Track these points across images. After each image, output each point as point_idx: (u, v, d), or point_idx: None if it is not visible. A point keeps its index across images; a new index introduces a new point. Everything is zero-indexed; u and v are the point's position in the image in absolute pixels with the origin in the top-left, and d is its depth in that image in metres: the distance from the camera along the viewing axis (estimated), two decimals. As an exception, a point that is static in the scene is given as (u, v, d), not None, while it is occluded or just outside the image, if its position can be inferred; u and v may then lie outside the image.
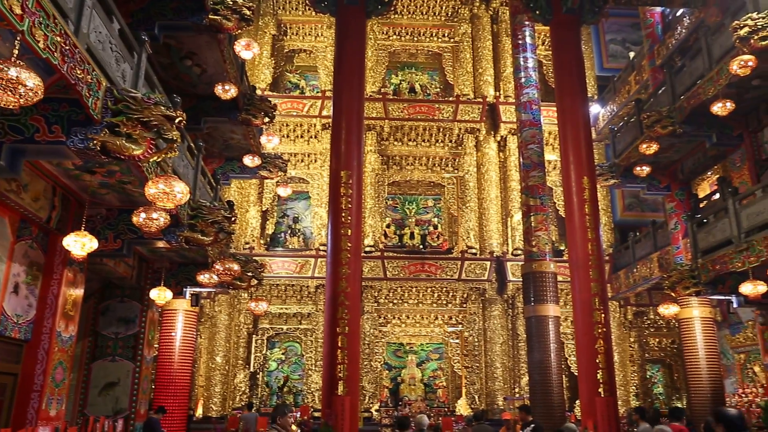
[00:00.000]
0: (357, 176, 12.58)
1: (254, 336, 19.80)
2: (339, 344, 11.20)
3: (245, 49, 10.34)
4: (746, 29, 9.65)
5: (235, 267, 10.65)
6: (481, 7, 22.64)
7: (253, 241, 20.02)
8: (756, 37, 9.57)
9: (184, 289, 12.17)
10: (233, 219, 9.78)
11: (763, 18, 9.62)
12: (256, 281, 12.53)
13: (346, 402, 10.86)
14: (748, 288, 10.51)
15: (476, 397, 18.91)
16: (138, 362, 11.87)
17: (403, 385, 19.95)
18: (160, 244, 9.52)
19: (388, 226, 21.00)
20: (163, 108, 6.21)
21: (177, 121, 6.36)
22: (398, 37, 22.91)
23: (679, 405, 19.13)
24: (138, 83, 7.07)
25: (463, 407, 18.77)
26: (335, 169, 12.63)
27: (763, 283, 10.38)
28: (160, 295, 10.85)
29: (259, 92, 14.47)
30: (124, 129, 6.02)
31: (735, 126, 12.95)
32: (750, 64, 9.86)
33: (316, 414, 16.13)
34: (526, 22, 18.02)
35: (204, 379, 18.89)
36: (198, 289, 12.52)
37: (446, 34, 22.99)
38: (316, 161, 21.19)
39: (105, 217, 9.09)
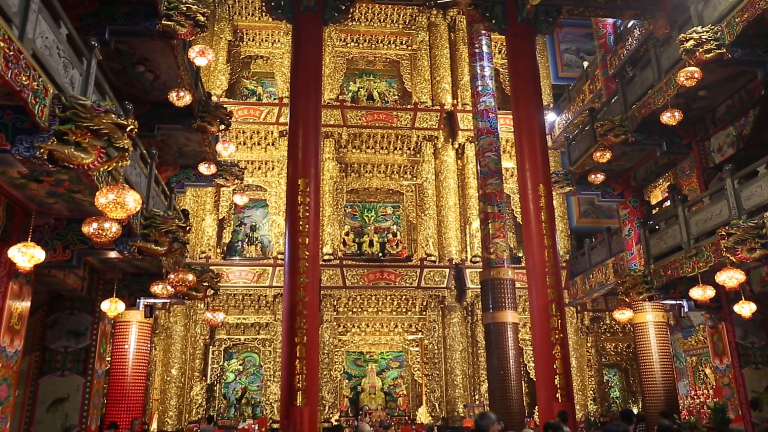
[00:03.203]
0: (315, 184, 12.47)
1: (211, 347, 19.42)
2: (297, 354, 11.06)
3: (200, 56, 10.16)
4: (692, 42, 9.96)
5: (191, 277, 10.43)
6: (439, 15, 22.81)
7: (210, 250, 19.69)
8: (701, 50, 9.88)
9: (138, 301, 11.84)
10: (188, 228, 9.58)
11: (707, 32, 9.94)
12: (212, 291, 12.30)
13: (305, 413, 10.71)
14: (697, 292, 10.80)
15: (437, 404, 18.92)
16: (89, 377, 11.46)
17: (363, 394, 19.84)
18: (112, 254, 9.24)
19: (347, 234, 20.92)
20: (113, 116, 6.04)
21: (128, 129, 6.20)
22: (356, 44, 22.91)
23: (635, 408, 19.54)
24: (88, 90, 6.87)
25: (423, 415, 18.76)
26: (292, 176, 12.50)
27: (711, 288, 10.66)
28: (112, 306, 10.52)
29: (214, 99, 14.23)
30: (73, 137, 5.83)
31: (684, 135, 13.33)
32: (696, 75, 10.18)
33: (275, 425, 15.89)
34: (483, 32, 18.26)
35: (159, 393, 18.41)
36: (152, 300, 12.21)
37: (404, 42, 23.08)
38: (273, 169, 20.98)
39: (53, 227, 8.77)
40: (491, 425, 4.18)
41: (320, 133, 13.99)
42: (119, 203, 6.34)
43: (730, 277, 9.57)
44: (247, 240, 20.84)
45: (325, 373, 18.55)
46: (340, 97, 21.76)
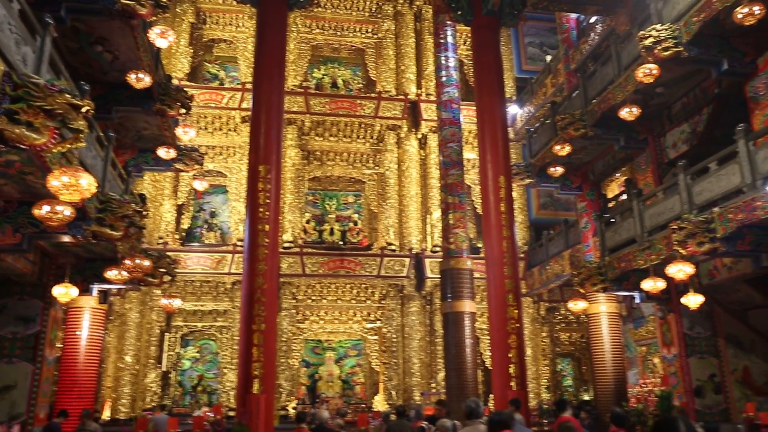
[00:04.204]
0: (276, 171, 12.33)
1: (167, 334, 19.14)
2: (255, 342, 10.97)
3: (160, 37, 9.95)
4: (651, 39, 10.16)
5: (147, 263, 10.26)
6: (405, 4, 22.78)
7: (168, 236, 19.36)
8: (659, 48, 10.09)
9: (91, 286, 11.59)
10: (145, 213, 9.40)
11: (666, 30, 10.15)
12: (169, 277, 12.12)
13: (262, 400, 10.66)
14: (649, 284, 11.09)
15: (393, 392, 19.07)
16: (38, 364, 11.19)
17: (321, 382, 19.88)
18: (65, 238, 9.01)
19: (307, 222, 20.82)
20: (68, 96, 5.87)
21: (84, 109, 6.04)
22: (321, 31, 22.70)
23: (587, 396, 20.03)
24: (41, 68, 6.65)
25: (380, 403, 18.89)
26: (254, 163, 12.34)
27: (662, 280, 10.97)
28: (64, 292, 10.27)
29: (175, 82, 13.95)
30: (25, 117, 5.65)
31: (641, 130, 13.63)
32: (654, 72, 10.41)
33: (231, 413, 15.79)
34: (448, 22, 18.29)
35: (112, 380, 18.10)
36: (106, 286, 11.97)
37: (370, 30, 22.97)
38: (234, 155, 20.72)
39: (3, 209, 8.50)
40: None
41: (283, 119, 13.82)
42: (73, 186, 6.19)
43: (680, 270, 9.85)
44: (206, 226, 20.56)
45: (282, 360, 18.49)
46: (304, 83, 21.55)
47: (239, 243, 18.24)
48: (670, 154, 13.13)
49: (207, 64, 22.51)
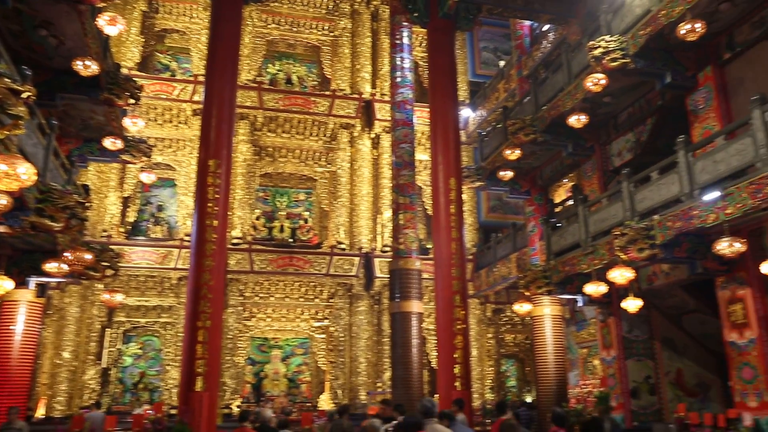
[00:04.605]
0: (226, 166, 12.19)
1: (108, 329, 18.63)
2: (199, 338, 10.81)
3: (109, 24, 9.64)
4: (600, 50, 10.44)
5: (88, 256, 9.97)
6: (362, 3, 22.78)
7: (112, 229, 18.85)
8: (607, 58, 10.38)
9: (28, 279, 11.17)
10: (88, 204, 9.13)
11: (614, 41, 10.45)
12: (112, 271, 11.78)
13: (205, 398, 10.51)
14: (591, 288, 11.39)
15: (339, 391, 19.04)
16: (-31, 358, 10.74)
17: (266, 380, 19.71)
18: (1, 228, 8.66)
19: (257, 219, 20.60)
20: (7, 80, 5.67)
21: (24, 95, 5.84)
22: (277, 26, 22.49)
23: (529, 397, 20.42)
24: (-21, 50, 6.39)
25: (325, 402, 18.84)
26: (204, 157, 12.16)
27: (604, 284, 11.27)
28: (-2, 284, 9.87)
29: (125, 71, 13.61)
30: (-41, 100, 5.42)
31: (588, 138, 13.97)
32: (602, 82, 10.70)
33: (173, 411, 15.48)
34: (405, 23, 18.38)
35: (48, 377, 17.49)
36: (45, 279, 11.57)
37: (326, 28, 22.87)
38: (184, 148, 20.33)
39: (-65, 196, 8.12)
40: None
41: (235, 114, 13.67)
42: (10, 174, 5.96)
43: (621, 275, 10.14)
44: (153, 220, 20.12)
45: (228, 358, 18.26)
46: (258, 78, 21.33)
47: (186, 238, 17.91)
48: (615, 162, 13.50)
49: (158, 54, 22.02)
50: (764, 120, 8.03)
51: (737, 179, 8.38)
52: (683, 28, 9.08)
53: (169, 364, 18.46)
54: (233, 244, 18.74)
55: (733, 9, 9.81)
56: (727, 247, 8.54)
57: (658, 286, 11.91)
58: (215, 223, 11.58)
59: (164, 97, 19.93)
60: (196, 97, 19.47)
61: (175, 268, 18.67)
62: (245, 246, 19.23)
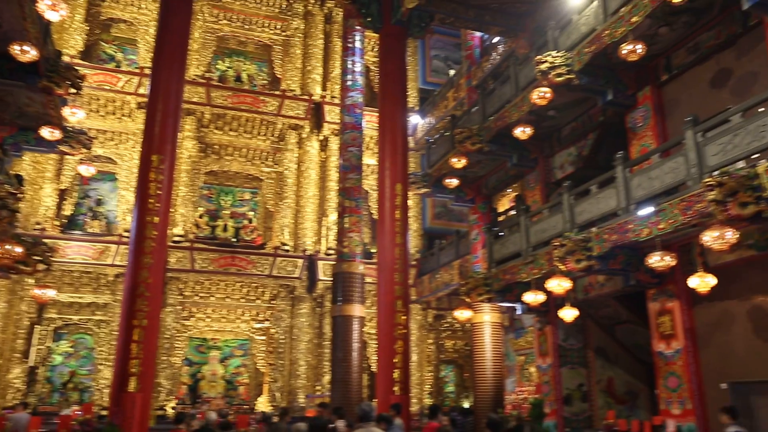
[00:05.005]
0: (170, 161, 11.92)
1: (38, 326, 17.91)
2: (135, 338, 10.51)
3: (51, 9, 9.28)
4: (546, 65, 10.71)
5: (19, 249, 9.56)
6: (316, 5, 22.70)
7: (46, 221, 18.18)
8: (553, 73, 10.65)
9: (-49, 272, 10.66)
10: (20, 195, 8.78)
11: (560, 57, 10.73)
12: (44, 266, 11.34)
13: (138, 399, 10.21)
14: (530, 297, 11.63)
15: (278, 394, 18.85)
16: None
17: (203, 381, 19.33)
18: (-76, 217, 8.25)
19: (200, 217, 20.23)
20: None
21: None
22: (228, 22, 22.17)
23: (467, 403, 20.69)
24: None
25: (263, 405, 18.61)
26: (147, 152, 11.86)
27: (542, 293, 11.53)
28: None
29: (66, 59, 13.14)
30: None
31: (532, 150, 14.29)
32: (547, 96, 10.98)
33: (103, 413, 14.99)
34: (358, 27, 18.43)
35: (-29, 374, 16.71)
36: (-30, 272, 11.04)
37: (278, 27, 22.69)
38: (127, 141, 19.80)
39: None
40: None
41: (181, 109, 13.39)
42: (-63, 160, 5.68)
43: (559, 285, 10.40)
44: (91, 214, 19.50)
45: (164, 358, 17.85)
46: (207, 74, 20.98)
47: (126, 234, 17.43)
48: (557, 175, 13.85)
49: (103, 43, 21.38)
50: (696, 140, 8.39)
51: (670, 196, 8.72)
52: (625, 49, 9.41)
53: (101, 364, 17.89)
54: (174, 242, 18.37)
55: (671, 33, 10.24)
56: (658, 260, 8.88)
57: (594, 296, 12.27)
58: (156, 219, 11.30)
59: (108, 88, 19.39)
60: (141, 90, 18.99)
61: (112, 265, 18.14)
62: (187, 244, 18.86)
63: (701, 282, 8.80)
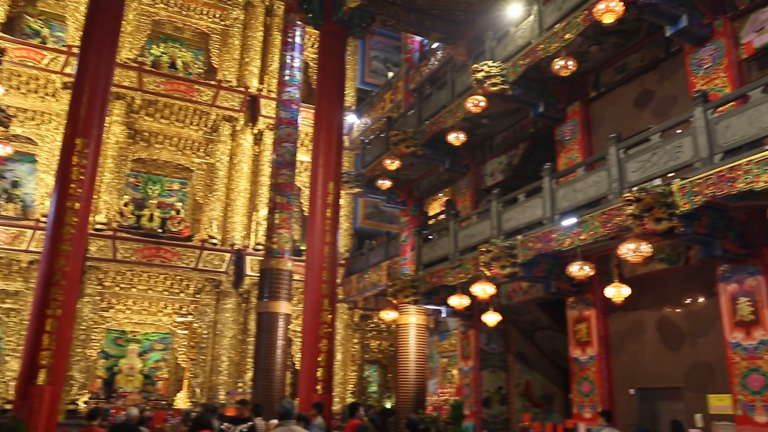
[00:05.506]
0: (95, 146, 11.49)
1: (-63, 313, 16.88)
2: (47, 328, 10.06)
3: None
4: (482, 74, 10.94)
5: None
6: (258, -4, 22.37)
7: (-44, 201, 17.14)
8: (488, 82, 10.89)
9: None
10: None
11: (496, 67, 10.99)
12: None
13: (46, 393, 9.77)
14: (455, 301, 11.83)
15: (198, 390, 18.44)
16: None
17: (120, 375, 18.69)
18: None
19: (125, 205, 19.56)
20: None
21: None
22: (165, 6, 21.51)
23: (389, 403, 20.85)
24: None
25: (182, 401, 18.17)
26: (70, 134, 11.38)
27: (467, 297, 11.76)
28: None
29: (-15, 31, 12.47)
30: None
31: (465, 156, 14.56)
32: (482, 104, 11.23)
33: (7, 406, 14.26)
34: (299, 22, 18.28)
35: None
36: None
37: (217, 15, 22.19)
38: (50, 122, 18.91)
39: None
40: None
41: (110, 92, 12.92)
42: None
43: (483, 290, 10.63)
44: (5, 196, 18.53)
45: (79, 350, 17.18)
46: (140, 59, 20.28)
47: (43, 219, 16.63)
48: (488, 182, 14.15)
49: (28, 17, 20.34)
50: (618, 157, 8.77)
51: (592, 208, 9.06)
52: (557, 64, 9.74)
53: (9, 355, 17.01)
54: (96, 230, 17.72)
55: (601, 52, 10.67)
56: (578, 270, 9.22)
57: (516, 302, 12.62)
58: (77, 205, 10.86)
59: (31, 64, 18.49)
60: (68, 69, 18.20)
61: (26, 251, 17.30)
62: (109, 233, 18.20)
63: (617, 292, 9.20)
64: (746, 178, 6.77)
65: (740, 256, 8.08)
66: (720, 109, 7.73)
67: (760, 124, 6.96)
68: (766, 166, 6.57)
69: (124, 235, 18.54)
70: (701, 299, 9.11)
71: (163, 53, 21.80)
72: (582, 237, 9.04)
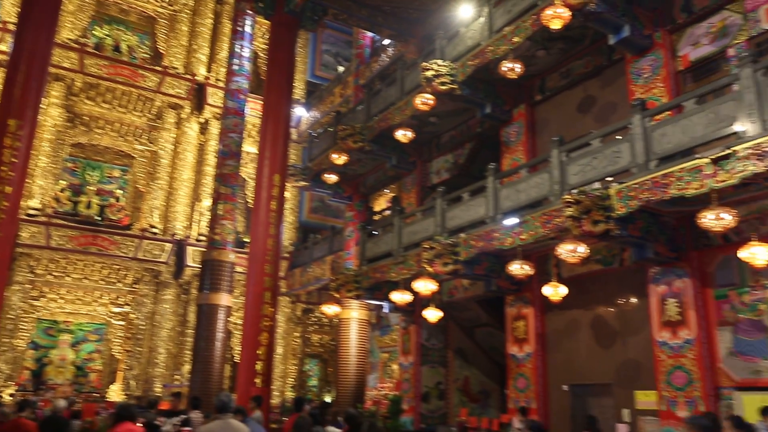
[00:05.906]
0: (30, 128, 11.03)
1: None
2: (-27, 315, 9.65)
3: None
4: (432, 72, 11.05)
5: None
6: (207, -18, 21.91)
7: None
8: (437, 81, 11.02)
9: None
10: None
11: (446, 67, 11.12)
12: None
13: (-29, 382, 9.37)
14: (397, 296, 11.91)
15: (133, 382, 17.99)
16: None
17: (50, 366, 18.04)
18: None
19: (62, 191, 18.88)
20: None
21: None
22: (110, -13, 20.87)
23: (329, 397, 20.83)
24: None
25: (116, 393, 17.69)
26: (3, 115, 10.88)
27: (409, 293, 11.86)
28: None
29: None
30: None
31: (412, 153, 14.68)
32: (430, 102, 11.35)
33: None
34: (249, 12, 18.00)
35: None
36: None
37: (166, 0, 21.64)
38: (-19, 101, 18.03)
39: None
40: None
41: (48, 73, 12.44)
42: None
43: (425, 286, 10.74)
44: (-70, 177, 17.57)
45: (6, 340, 16.55)
46: (82, 40, 19.57)
47: (-29, 202, 15.88)
48: (433, 180, 14.31)
49: (-38, -10, 19.37)
50: (560, 159, 9.00)
51: (533, 209, 9.28)
52: (505, 66, 9.93)
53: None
54: (29, 215, 17.05)
55: (547, 57, 10.93)
56: (518, 268, 9.43)
57: (457, 299, 12.81)
58: (8, 189, 10.41)
59: (-37, 40, 17.60)
60: (2, 47, 17.40)
61: (-48, 235, 16.48)
62: (43, 219, 17.53)
63: (554, 291, 9.45)
64: (678, 185, 7.07)
65: (670, 259, 8.44)
66: (656, 117, 8.04)
67: (692, 133, 7.29)
68: (697, 174, 6.87)
69: (59, 221, 17.89)
70: (633, 300, 9.46)
71: (106, 35, 21.10)
72: (523, 237, 9.25)
